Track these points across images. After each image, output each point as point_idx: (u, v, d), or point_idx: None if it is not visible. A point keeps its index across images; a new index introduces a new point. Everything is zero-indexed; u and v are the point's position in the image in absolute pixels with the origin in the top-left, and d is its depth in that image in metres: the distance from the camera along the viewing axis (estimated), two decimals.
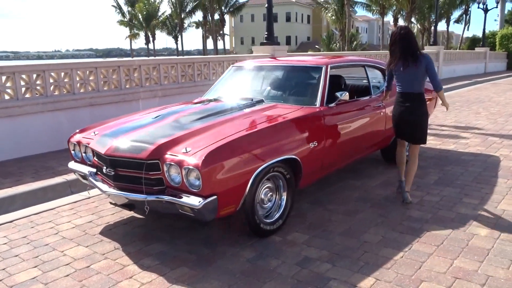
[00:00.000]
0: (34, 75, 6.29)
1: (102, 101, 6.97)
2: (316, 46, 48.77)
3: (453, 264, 3.07)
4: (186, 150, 3.12)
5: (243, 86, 4.79)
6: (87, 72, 6.89)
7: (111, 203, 3.77)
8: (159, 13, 48.18)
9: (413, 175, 4.30)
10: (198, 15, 57.81)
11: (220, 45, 57.82)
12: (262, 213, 3.58)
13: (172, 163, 3.08)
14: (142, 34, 49.54)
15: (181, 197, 3.06)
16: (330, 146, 4.05)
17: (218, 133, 3.35)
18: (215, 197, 3.01)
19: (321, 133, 3.92)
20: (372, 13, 47.32)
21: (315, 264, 3.12)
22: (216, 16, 47.56)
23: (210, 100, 4.61)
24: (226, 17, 54.29)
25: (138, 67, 7.59)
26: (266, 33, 10.37)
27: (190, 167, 2.97)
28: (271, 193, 3.60)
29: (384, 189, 4.69)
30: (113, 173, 3.37)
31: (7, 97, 6.03)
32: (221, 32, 50.32)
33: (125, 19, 47.93)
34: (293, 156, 3.57)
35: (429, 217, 3.89)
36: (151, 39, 51.46)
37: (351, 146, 4.46)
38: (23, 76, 6.17)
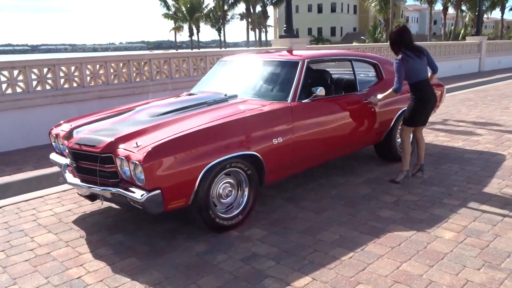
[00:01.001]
0: (45, 69, 6.62)
1: (111, 94, 7.22)
2: (362, 37, 47.66)
3: (400, 268, 2.96)
4: (136, 144, 3.20)
5: (224, 80, 4.81)
6: (97, 66, 7.16)
7: (78, 193, 3.94)
8: (203, 6, 48.77)
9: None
10: (241, 7, 57.90)
11: (264, 37, 57.85)
12: (221, 208, 3.61)
13: (123, 157, 3.18)
14: (186, 26, 50.39)
15: (128, 190, 3.16)
16: (300, 143, 3.99)
17: (173, 129, 3.40)
18: (158, 191, 3.08)
19: (288, 130, 3.87)
20: (420, 2, 45.54)
21: (260, 261, 3.12)
22: (259, 8, 47.47)
23: (190, 94, 4.68)
24: (270, 8, 54.15)
25: (149, 61, 7.79)
26: (285, 25, 10.29)
27: (136, 161, 3.06)
28: (230, 189, 3.62)
29: (366, 187, 4.57)
30: (75, 165, 3.52)
31: (19, 90, 6.40)
32: (265, 24, 50.16)
33: (170, 12, 49.00)
34: (252, 152, 3.56)
35: (398, 218, 3.77)
36: (195, 31, 52.25)
37: (329, 143, 4.37)
38: (35, 70, 6.51)
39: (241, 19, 57.34)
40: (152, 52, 8.74)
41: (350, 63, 4.84)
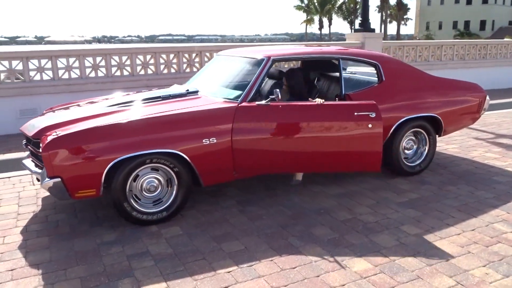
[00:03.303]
0: (99, 58, 7.33)
1: (158, 83, 7.66)
2: None
3: None
4: (56, 133, 3.41)
5: (205, 75, 4.73)
6: (148, 56, 7.67)
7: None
8: None
9: None
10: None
11: (403, 30, 54.55)
12: (147, 202, 3.64)
13: (41, 144, 3.42)
14: (317, 19, 50.14)
15: (40, 174, 3.39)
16: (244, 147, 3.77)
17: (94, 122, 3.52)
18: (58, 179, 3.24)
19: (225, 131, 3.68)
20: None
21: (143, 259, 3.08)
22: (393, 1, 44.79)
23: (163, 88, 4.76)
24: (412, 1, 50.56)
25: (199, 52, 8.05)
26: (361, 19, 9.63)
27: (40, 150, 3.27)
28: (155, 184, 3.62)
29: (331, 200, 4.12)
30: (26, 147, 3.90)
31: (74, 75, 7.21)
32: (399, 15, 47.22)
33: (302, 4, 49.17)
34: (172, 151, 3.49)
35: (328, 239, 3.34)
36: (327, 24, 51.76)
37: (290, 153, 3.93)
38: (89, 58, 7.26)
39: (379, 11, 54.87)
40: (202, 44, 8.99)
41: (338, 63, 4.35)
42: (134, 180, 3.55)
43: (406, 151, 4.77)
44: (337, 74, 4.66)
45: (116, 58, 7.46)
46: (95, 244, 3.34)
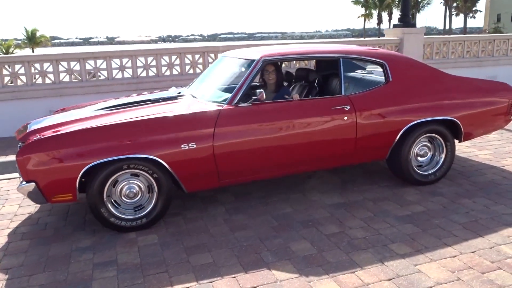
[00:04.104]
0: (125, 60, 7.46)
1: (183, 83, 7.64)
2: None
3: None
4: (37, 137, 3.44)
5: (204, 77, 4.59)
6: (173, 57, 7.70)
7: None
8: None
9: None
10: None
11: (471, 23, 51.43)
12: (127, 208, 3.59)
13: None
14: (376, 13, 48.41)
15: (20, 179, 3.43)
16: (228, 151, 3.60)
17: (75, 126, 3.50)
18: (33, 184, 3.26)
19: (207, 136, 3.53)
20: None
21: (108, 269, 3.01)
22: None
23: (159, 91, 4.70)
24: None
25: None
26: (400, 13, 9.06)
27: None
28: (135, 190, 3.55)
29: (322, 210, 3.84)
30: None
31: (102, 77, 7.39)
32: (465, 7, 44.40)
33: None
34: (148, 156, 3.39)
35: (303, 255, 3.08)
36: (387, 18, 49.88)
37: (277, 155, 3.77)
38: (115, 60, 7.41)
39: (446, 3, 52.06)
40: (227, 44, 8.86)
41: (339, 62, 4.04)
42: (114, 185, 3.50)
43: (419, 158, 4.36)
44: (352, 74, 4.38)
45: (142, 59, 7.55)
46: (69, 249, 3.33)
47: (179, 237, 3.45)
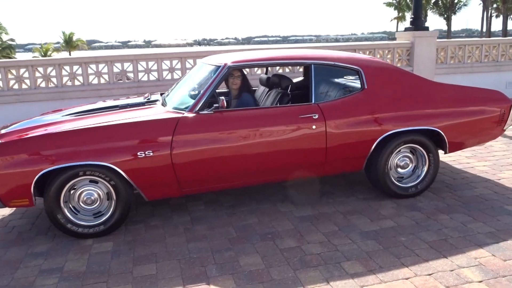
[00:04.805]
0: (127, 64, 7.53)
1: None
2: None
3: None
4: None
5: (180, 83, 4.51)
6: (174, 61, 7.71)
7: None
8: None
9: None
10: None
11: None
12: (86, 214, 3.57)
13: None
14: (408, 15, 47.12)
15: None
16: (187, 159, 3.52)
17: (35, 132, 3.52)
18: None
19: (165, 144, 3.45)
20: None
21: (49, 276, 2.99)
22: None
23: (135, 97, 4.68)
24: None
25: None
26: (412, 15, 8.73)
27: None
28: (93, 196, 3.52)
29: (290, 223, 3.69)
30: None
31: (103, 81, 7.49)
32: (504, 8, 42.56)
33: (393, 0, 46.53)
34: (103, 163, 3.36)
35: (249, 271, 2.96)
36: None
37: (240, 164, 3.66)
38: (117, 64, 7.49)
39: (483, 5, 50.15)
40: (229, 48, 8.77)
41: (310, 69, 3.89)
42: (72, 191, 3.49)
43: (400, 170, 4.13)
44: (328, 80, 4.22)
45: (144, 63, 7.59)
46: (24, 254, 3.34)
47: (133, 246, 3.40)
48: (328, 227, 3.58)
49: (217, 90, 3.76)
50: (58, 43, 51.54)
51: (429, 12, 47.92)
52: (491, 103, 4.20)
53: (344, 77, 4.28)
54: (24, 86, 7.28)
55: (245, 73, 4.34)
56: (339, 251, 3.17)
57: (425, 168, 4.13)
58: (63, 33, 48.72)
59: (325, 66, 3.95)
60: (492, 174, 4.75)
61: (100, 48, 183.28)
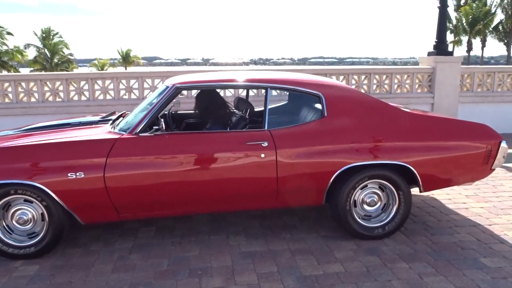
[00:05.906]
0: (133, 81, 7.59)
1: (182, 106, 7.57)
2: None
3: None
4: None
5: (142, 103, 4.37)
6: None
7: None
8: (488, 18, 42.27)
9: None
10: None
11: None
12: (20, 234, 3.47)
13: None
14: (465, 40, 45.12)
15: None
16: (122, 183, 3.34)
17: None
18: None
19: (97, 166, 3.29)
20: None
21: None
22: None
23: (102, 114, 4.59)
24: None
25: None
26: (436, 40, 8.18)
27: None
28: (25, 217, 3.41)
29: (227, 260, 3.38)
30: None
31: (109, 97, 7.57)
32: None
33: (449, 25, 44.74)
34: (33, 183, 3.24)
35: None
36: (481, 46, 46.39)
37: (181, 191, 3.42)
38: (123, 81, 7.56)
39: None
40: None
41: (265, 92, 3.61)
42: (6, 209, 3.41)
43: (367, 207, 3.72)
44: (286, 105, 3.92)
45: (149, 81, 7.62)
46: None
47: (56, 272, 3.24)
48: (268, 267, 3.24)
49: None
50: (115, 59, 54.19)
51: (489, 37, 45.69)
52: (476, 138, 3.71)
53: (307, 102, 3.96)
54: (32, 99, 7.49)
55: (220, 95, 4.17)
56: None
57: (395, 208, 3.69)
58: (120, 50, 51.19)
59: (283, 90, 3.66)
60: (485, 218, 4.19)
61: (160, 64, 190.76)
